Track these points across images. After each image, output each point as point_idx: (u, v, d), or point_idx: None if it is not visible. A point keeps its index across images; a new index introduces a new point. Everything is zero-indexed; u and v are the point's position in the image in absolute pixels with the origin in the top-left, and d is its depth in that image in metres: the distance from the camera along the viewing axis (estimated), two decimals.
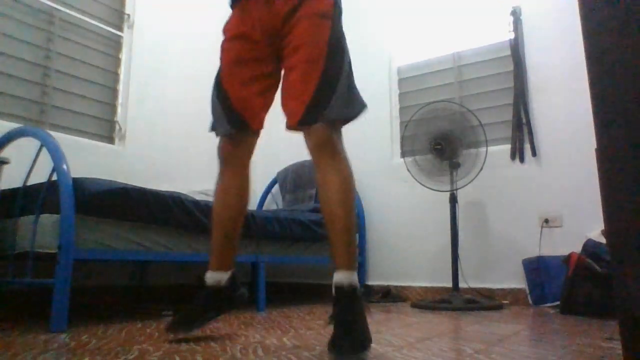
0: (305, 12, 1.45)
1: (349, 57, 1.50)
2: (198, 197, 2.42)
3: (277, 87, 1.59)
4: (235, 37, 1.57)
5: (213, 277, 1.56)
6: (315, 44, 1.43)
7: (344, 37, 1.51)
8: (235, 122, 1.53)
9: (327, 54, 1.42)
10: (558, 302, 2.49)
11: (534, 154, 2.96)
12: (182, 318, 1.54)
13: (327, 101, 1.39)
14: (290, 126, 1.46)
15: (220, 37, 1.63)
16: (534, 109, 3.02)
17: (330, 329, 1.31)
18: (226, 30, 1.61)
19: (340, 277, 1.35)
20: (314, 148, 1.43)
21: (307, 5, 1.46)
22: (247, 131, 1.56)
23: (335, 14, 1.49)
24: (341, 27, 1.51)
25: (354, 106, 1.45)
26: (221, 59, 1.61)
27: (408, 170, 2.91)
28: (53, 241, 1.71)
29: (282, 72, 1.55)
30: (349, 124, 1.48)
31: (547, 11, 3.05)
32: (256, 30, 1.52)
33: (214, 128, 1.60)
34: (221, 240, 1.59)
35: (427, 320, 2.11)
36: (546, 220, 2.85)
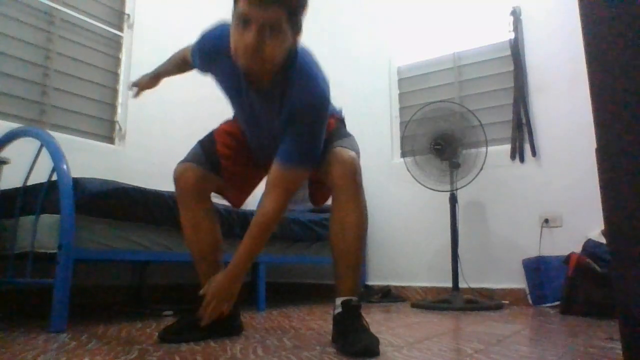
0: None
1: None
2: None
3: None
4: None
5: None
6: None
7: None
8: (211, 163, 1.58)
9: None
10: (558, 302, 2.49)
11: (534, 154, 2.96)
12: (176, 328, 1.53)
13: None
14: None
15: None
16: (534, 109, 3.02)
17: (329, 329, 1.32)
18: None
19: (343, 299, 1.41)
20: (340, 178, 1.48)
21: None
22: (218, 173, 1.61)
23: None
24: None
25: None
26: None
27: (408, 170, 2.91)
28: (53, 241, 1.71)
29: None
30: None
31: (547, 11, 3.05)
32: None
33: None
34: (207, 272, 1.58)
35: (427, 320, 2.11)
36: (546, 220, 2.85)
